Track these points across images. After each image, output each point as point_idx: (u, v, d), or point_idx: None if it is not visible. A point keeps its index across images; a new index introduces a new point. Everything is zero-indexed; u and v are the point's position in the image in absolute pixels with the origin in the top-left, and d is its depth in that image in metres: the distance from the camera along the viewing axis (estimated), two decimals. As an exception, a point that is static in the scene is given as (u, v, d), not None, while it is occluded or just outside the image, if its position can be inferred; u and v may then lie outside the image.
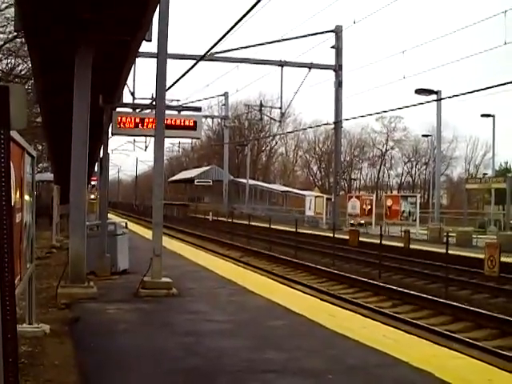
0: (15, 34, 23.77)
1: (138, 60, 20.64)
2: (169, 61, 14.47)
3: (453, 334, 12.86)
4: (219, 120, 52.36)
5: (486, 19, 28.37)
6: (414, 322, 14.04)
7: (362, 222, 44.51)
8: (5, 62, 32.12)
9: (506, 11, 27.23)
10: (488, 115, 45.72)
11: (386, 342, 9.03)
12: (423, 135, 69.95)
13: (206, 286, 14.85)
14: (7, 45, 29.51)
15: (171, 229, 45.88)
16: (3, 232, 4.14)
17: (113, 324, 10.20)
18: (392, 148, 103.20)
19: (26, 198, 7.74)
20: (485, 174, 69.59)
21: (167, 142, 40.74)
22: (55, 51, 13.43)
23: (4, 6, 26.74)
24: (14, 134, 5.38)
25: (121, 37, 12.73)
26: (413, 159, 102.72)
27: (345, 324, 10.26)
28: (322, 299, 13.22)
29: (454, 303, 16.11)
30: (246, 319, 10.87)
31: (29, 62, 22.09)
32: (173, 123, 20.92)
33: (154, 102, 19.96)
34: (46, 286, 13.31)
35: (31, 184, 8.47)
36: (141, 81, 24.01)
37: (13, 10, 19.15)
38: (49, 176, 41.70)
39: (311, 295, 13.86)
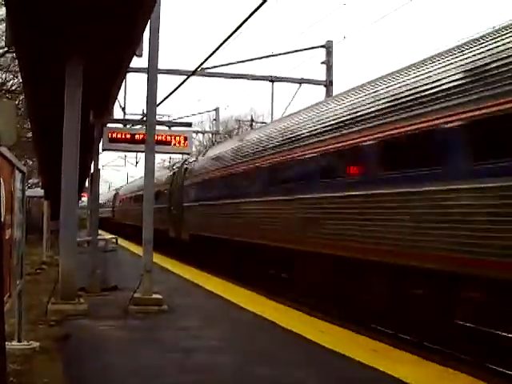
0: (6, 49, 23.73)
1: (128, 75, 20.63)
2: (159, 76, 14.48)
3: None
4: (210, 135, 52.24)
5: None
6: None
7: None
8: (-5, 77, 32.09)
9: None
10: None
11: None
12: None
13: (195, 301, 14.80)
14: (-2, 60, 29.50)
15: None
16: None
17: (103, 341, 10.13)
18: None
19: (17, 214, 7.69)
20: None
21: (158, 157, 40.72)
22: (46, 67, 13.42)
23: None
24: (3, 149, 5.35)
25: (111, 52, 12.73)
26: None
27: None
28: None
29: None
30: (234, 334, 10.84)
31: (20, 77, 22.03)
32: (163, 139, 20.94)
33: (144, 118, 19.93)
34: (36, 302, 13.20)
35: (21, 200, 8.42)
36: (132, 96, 24.05)
37: (3, 25, 19.13)
38: (39, 191, 41.52)
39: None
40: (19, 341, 9.11)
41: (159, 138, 20.36)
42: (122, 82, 16.93)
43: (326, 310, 13.85)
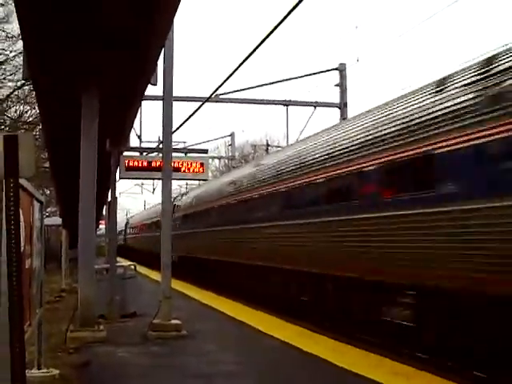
0: (23, 81, 24.07)
1: (144, 103, 20.85)
2: (174, 103, 14.64)
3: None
4: (226, 161, 52.45)
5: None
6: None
7: None
8: (13, 108, 32.43)
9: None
10: None
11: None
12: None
13: (215, 326, 14.83)
14: (16, 92, 29.84)
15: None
16: (12, 279, 4.21)
17: (123, 368, 10.19)
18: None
19: (35, 243, 7.80)
20: None
21: (175, 183, 40.97)
22: (62, 97, 13.60)
23: (12, 54, 27.08)
24: (22, 181, 5.47)
25: (126, 82, 12.90)
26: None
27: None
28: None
29: None
30: (255, 359, 10.86)
31: (37, 108, 22.31)
32: (180, 166, 21.12)
33: (160, 145, 20.11)
34: (55, 330, 13.29)
35: (40, 229, 8.55)
36: (147, 122, 24.24)
37: (21, 58, 19.43)
38: (57, 220, 41.80)
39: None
40: (39, 368, 9.17)
41: (176, 164, 20.56)
42: (137, 111, 17.12)
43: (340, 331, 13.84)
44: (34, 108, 29.35)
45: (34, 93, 16.64)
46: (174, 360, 10.83)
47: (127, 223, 71.06)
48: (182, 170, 21.71)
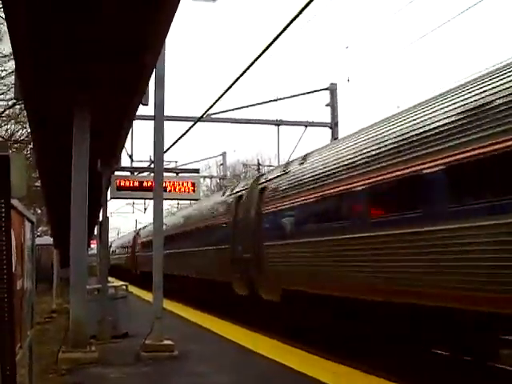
0: (14, 100, 24.07)
1: (135, 122, 20.84)
2: (166, 122, 14.64)
3: None
4: (218, 180, 52.48)
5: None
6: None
7: None
8: (4, 127, 32.43)
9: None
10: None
11: None
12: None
13: (207, 347, 14.75)
14: (7, 111, 29.86)
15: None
16: (4, 301, 4.17)
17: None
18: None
19: (26, 263, 7.75)
20: None
21: (166, 203, 41.01)
22: (53, 118, 13.62)
23: (4, 74, 27.11)
24: (13, 201, 5.44)
25: (118, 103, 12.92)
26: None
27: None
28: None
29: None
30: (248, 381, 10.80)
31: (28, 127, 22.30)
32: (171, 186, 21.09)
33: (152, 165, 20.09)
34: (46, 351, 13.20)
35: (31, 249, 8.50)
36: (139, 142, 24.18)
37: (12, 78, 19.45)
38: (48, 239, 41.66)
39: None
40: (30, 391, 9.09)
41: (167, 184, 20.53)
42: (128, 131, 17.12)
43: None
44: (25, 127, 29.37)
45: (26, 112, 16.63)
46: (166, 381, 10.77)
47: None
48: (174, 189, 21.68)
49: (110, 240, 79.02)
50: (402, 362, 12.10)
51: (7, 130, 32.80)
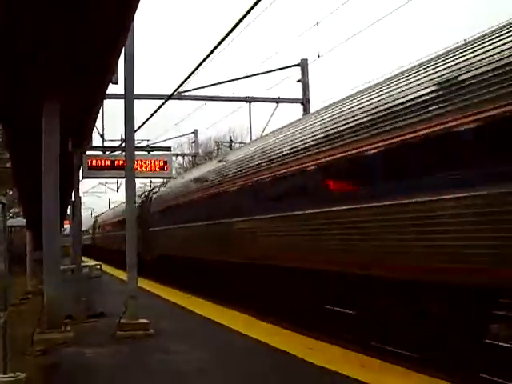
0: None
1: (106, 101, 20.70)
2: (137, 101, 14.57)
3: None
4: (190, 158, 52.33)
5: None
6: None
7: None
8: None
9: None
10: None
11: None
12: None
13: (182, 324, 14.82)
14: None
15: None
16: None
17: (91, 368, 10.14)
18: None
19: (-2, 245, 7.75)
20: None
21: (138, 181, 40.84)
22: (23, 98, 13.49)
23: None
24: (-17, 183, 5.44)
25: (87, 84, 12.83)
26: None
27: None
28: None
29: None
30: (224, 357, 10.88)
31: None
32: (143, 164, 21.06)
33: (123, 144, 20.02)
34: (21, 332, 13.16)
35: (2, 231, 8.49)
36: (110, 122, 24.03)
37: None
38: (21, 221, 41.39)
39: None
40: (5, 373, 9.07)
41: (139, 163, 20.50)
42: (99, 111, 17.02)
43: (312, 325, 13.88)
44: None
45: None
46: (142, 359, 10.81)
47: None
48: (146, 168, 21.65)
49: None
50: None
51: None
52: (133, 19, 10.05)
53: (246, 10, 12.19)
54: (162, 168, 21.88)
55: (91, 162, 20.94)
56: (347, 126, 12.58)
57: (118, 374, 9.72)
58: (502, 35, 9.26)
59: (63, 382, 9.45)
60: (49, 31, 10.02)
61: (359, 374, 8.82)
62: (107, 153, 22.82)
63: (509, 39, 9.05)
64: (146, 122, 21.32)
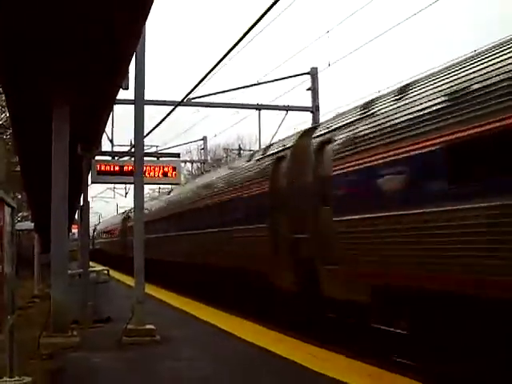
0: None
1: (115, 107, 20.73)
2: (146, 107, 14.58)
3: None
4: (199, 164, 52.37)
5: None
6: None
7: None
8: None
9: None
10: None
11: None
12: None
13: (189, 331, 14.79)
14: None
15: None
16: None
17: (97, 373, 10.13)
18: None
19: (6, 248, 7.76)
20: None
21: (147, 187, 40.92)
22: (33, 102, 13.52)
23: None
24: (-7, 187, 5.45)
25: (97, 89, 12.85)
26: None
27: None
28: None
29: None
30: (230, 364, 10.86)
31: (7, 111, 22.11)
32: (152, 170, 21.06)
33: (132, 149, 20.04)
34: (27, 336, 13.15)
35: (11, 234, 8.50)
36: (119, 126, 24.08)
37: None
38: (29, 225, 41.43)
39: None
40: (11, 376, 9.07)
41: (148, 169, 20.52)
42: (109, 116, 17.03)
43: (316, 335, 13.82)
44: (4, 111, 29.08)
45: (4, 96, 16.50)
46: (148, 365, 10.80)
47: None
48: (154, 174, 21.66)
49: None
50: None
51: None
52: (144, 23, 10.04)
53: (257, 18, 12.23)
54: (170, 174, 21.90)
55: (100, 166, 20.97)
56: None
57: (123, 380, 9.70)
58: None
59: (68, 386, 9.43)
60: (58, 35, 10.03)
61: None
62: (116, 158, 22.83)
63: None
64: (155, 127, 21.38)
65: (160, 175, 21.75)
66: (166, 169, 21.76)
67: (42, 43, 10.31)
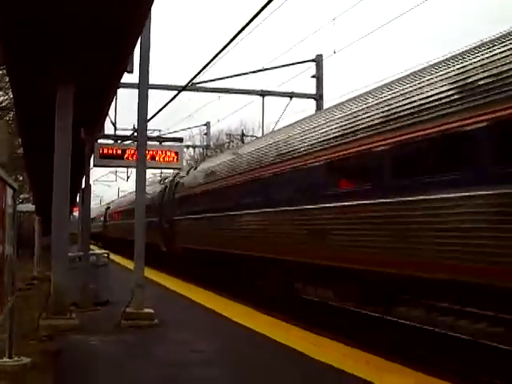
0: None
1: (119, 90, 20.68)
2: (150, 91, 14.55)
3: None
4: (201, 150, 52.34)
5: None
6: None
7: None
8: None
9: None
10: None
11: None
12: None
13: (187, 315, 14.84)
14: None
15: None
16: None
17: (95, 356, 10.17)
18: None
19: (7, 230, 7.75)
20: None
21: (149, 171, 40.90)
22: (37, 84, 13.48)
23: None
24: (-5, 167, 5.43)
25: (102, 72, 12.81)
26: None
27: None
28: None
29: None
30: (228, 348, 10.90)
31: (11, 93, 22.06)
32: (154, 154, 21.03)
33: (135, 133, 20.01)
34: (27, 318, 13.20)
35: (12, 216, 8.48)
36: (123, 110, 24.02)
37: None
38: (30, 207, 41.49)
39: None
40: (10, 357, 9.11)
41: (150, 153, 20.48)
42: (112, 99, 17.00)
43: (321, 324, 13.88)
44: (8, 93, 29.03)
45: (8, 78, 16.46)
46: (146, 349, 10.83)
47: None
48: (157, 158, 21.65)
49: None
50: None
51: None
52: (151, 5, 9.97)
53: (263, 3, 12.15)
54: (173, 159, 21.88)
55: (103, 150, 20.96)
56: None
57: (121, 363, 9.71)
58: None
59: (66, 367, 9.45)
60: (62, 16, 9.99)
61: (363, 372, 8.81)
62: (119, 142, 22.81)
63: None
64: (158, 112, 21.26)
65: (162, 159, 21.72)
66: (168, 153, 21.75)
67: (45, 25, 10.26)
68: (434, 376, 8.71)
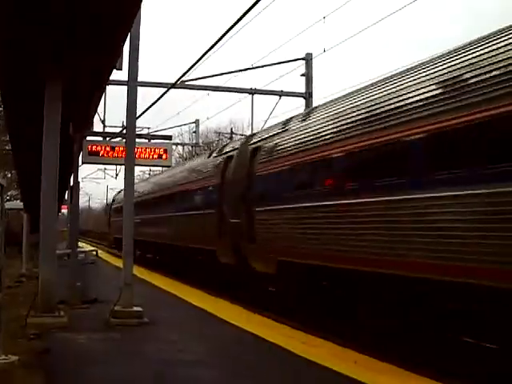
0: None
1: (108, 87, 20.61)
2: (139, 88, 14.49)
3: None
4: (190, 147, 52.27)
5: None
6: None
7: None
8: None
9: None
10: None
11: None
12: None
13: (176, 314, 14.79)
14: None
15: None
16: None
17: (84, 354, 10.10)
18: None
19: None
20: None
21: (138, 169, 40.76)
22: (25, 81, 13.42)
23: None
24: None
25: (91, 66, 12.75)
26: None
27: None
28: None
29: None
30: (217, 347, 10.86)
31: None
32: (143, 152, 21.01)
33: (124, 130, 19.96)
34: (15, 315, 13.11)
35: (0, 213, 8.44)
36: (112, 107, 23.97)
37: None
38: (18, 204, 41.26)
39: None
40: (-2, 355, 9.05)
41: (139, 150, 20.45)
42: (101, 96, 16.94)
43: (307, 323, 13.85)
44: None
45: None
46: (134, 347, 10.78)
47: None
48: (146, 156, 21.61)
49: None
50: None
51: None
52: (140, 1, 9.92)
53: (253, 1, 12.15)
54: (161, 156, 21.86)
55: (91, 147, 20.91)
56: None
57: (110, 361, 9.66)
58: None
59: (55, 365, 9.39)
60: (50, 10, 9.93)
61: (351, 371, 8.81)
62: (108, 139, 22.75)
63: None
64: (147, 109, 21.26)
65: (151, 157, 21.69)
66: (157, 150, 21.72)
67: (34, 19, 10.21)
68: (424, 376, 8.72)
